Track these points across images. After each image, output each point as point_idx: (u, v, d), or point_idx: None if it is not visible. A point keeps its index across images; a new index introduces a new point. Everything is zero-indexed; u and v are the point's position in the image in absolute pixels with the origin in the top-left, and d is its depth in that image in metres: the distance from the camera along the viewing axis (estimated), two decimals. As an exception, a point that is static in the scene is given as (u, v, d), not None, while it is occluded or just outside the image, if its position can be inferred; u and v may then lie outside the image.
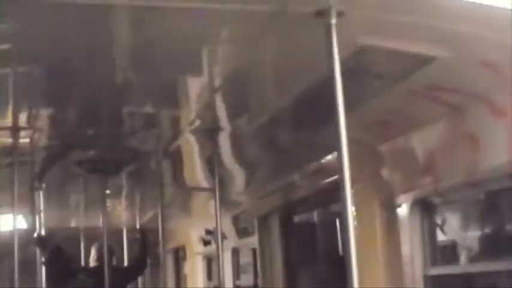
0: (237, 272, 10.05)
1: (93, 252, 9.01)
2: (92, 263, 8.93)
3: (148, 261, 9.40)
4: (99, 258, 8.63)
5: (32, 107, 5.13)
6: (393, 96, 4.65)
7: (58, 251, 8.59)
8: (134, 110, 5.42)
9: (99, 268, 8.42)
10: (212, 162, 6.40)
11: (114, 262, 8.93)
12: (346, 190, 3.28)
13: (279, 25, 3.53)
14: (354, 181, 3.30)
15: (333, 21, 3.30)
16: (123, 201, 10.23)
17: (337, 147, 3.31)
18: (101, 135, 6.10)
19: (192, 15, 3.44)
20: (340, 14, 3.30)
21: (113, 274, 8.25)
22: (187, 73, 4.54)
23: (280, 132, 6.08)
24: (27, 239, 8.19)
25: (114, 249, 9.12)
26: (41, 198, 8.39)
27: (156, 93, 4.90)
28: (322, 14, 3.31)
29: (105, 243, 8.32)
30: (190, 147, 6.69)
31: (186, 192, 9.38)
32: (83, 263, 10.73)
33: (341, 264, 3.34)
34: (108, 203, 9.03)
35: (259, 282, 8.79)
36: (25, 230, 8.67)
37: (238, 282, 10.02)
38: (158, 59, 4.06)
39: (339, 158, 3.30)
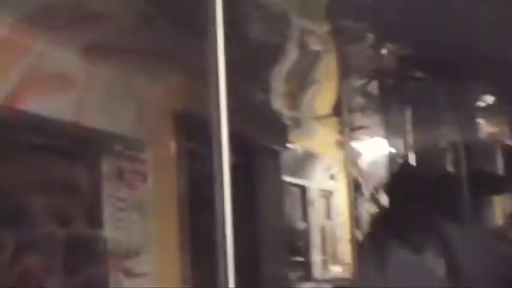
0: None
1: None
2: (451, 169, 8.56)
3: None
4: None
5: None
6: None
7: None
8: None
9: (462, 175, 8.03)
10: None
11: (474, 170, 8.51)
12: None
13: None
14: None
15: None
16: (494, 117, 9.68)
17: None
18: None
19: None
20: None
21: (475, 181, 7.80)
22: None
23: None
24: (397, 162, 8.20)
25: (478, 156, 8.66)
26: (408, 118, 8.23)
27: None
28: None
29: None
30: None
31: None
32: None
33: None
34: (479, 119, 8.97)
35: None
36: (394, 153, 8.66)
37: None
38: None
39: None
